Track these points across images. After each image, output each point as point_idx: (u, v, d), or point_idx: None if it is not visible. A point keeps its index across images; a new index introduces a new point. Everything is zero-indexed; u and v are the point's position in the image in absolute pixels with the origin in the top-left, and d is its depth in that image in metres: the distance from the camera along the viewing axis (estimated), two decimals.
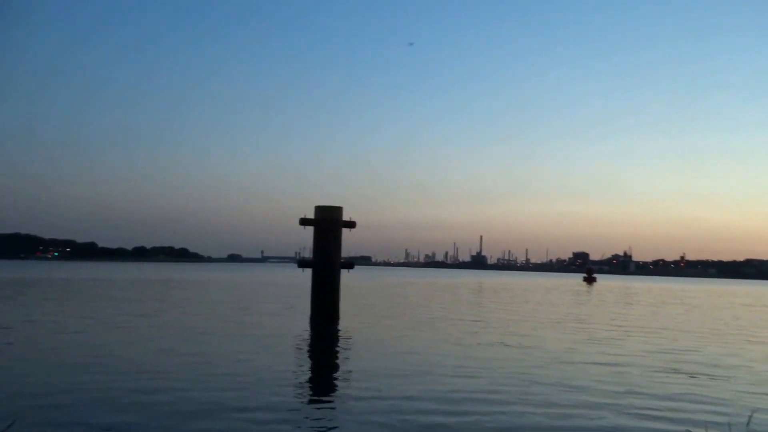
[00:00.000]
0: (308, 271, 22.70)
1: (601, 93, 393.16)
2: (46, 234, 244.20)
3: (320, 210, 22.34)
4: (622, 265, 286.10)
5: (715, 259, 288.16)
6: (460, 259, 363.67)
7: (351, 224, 22.75)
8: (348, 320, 21.23)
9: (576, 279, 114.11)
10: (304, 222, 22.19)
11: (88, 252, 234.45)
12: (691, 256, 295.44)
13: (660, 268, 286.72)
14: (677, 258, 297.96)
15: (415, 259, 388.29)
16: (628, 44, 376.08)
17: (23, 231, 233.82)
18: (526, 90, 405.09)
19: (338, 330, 18.72)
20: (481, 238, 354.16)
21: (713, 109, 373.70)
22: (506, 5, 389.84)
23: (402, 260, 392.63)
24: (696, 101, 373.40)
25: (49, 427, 7.27)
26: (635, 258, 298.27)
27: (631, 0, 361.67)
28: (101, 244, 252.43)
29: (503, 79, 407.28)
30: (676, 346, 16.63)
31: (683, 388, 10.52)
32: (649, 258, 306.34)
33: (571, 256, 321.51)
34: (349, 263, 23.82)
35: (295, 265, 25.72)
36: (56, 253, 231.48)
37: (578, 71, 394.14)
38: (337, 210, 22.47)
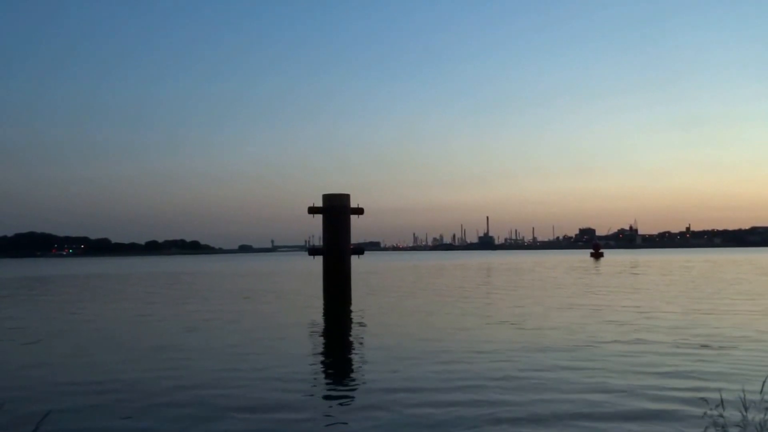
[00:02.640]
0: (319, 259, 22.97)
1: (602, 68, 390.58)
2: (61, 232, 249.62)
3: (328, 198, 22.55)
4: (628, 239, 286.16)
5: (720, 228, 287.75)
6: (468, 240, 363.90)
7: (359, 211, 22.95)
8: (360, 305, 21.50)
9: (583, 255, 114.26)
10: (312, 210, 22.41)
11: (102, 248, 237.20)
12: (696, 227, 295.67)
13: (666, 240, 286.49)
14: (683, 229, 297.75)
15: (423, 243, 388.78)
16: (629, 18, 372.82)
17: (38, 230, 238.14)
18: (527, 69, 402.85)
19: (351, 315, 18.98)
20: (487, 219, 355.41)
21: (715, 78, 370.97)
22: None
23: (410, 244, 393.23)
24: (698, 71, 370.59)
25: (83, 418, 7.52)
26: (641, 231, 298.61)
27: None
28: (114, 239, 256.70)
29: (505, 61, 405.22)
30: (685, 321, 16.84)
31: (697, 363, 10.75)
32: (655, 231, 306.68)
33: (577, 232, 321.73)
34: (359, 249, 24.05)
35: (306, 253, 25.98)
36: (71, 250, 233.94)
37: (579, 49, 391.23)
38: (345, 197, 22.67)
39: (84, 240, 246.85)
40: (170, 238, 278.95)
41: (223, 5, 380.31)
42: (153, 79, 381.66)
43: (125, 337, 14.83)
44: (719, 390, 7.84)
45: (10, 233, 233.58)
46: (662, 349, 11.69)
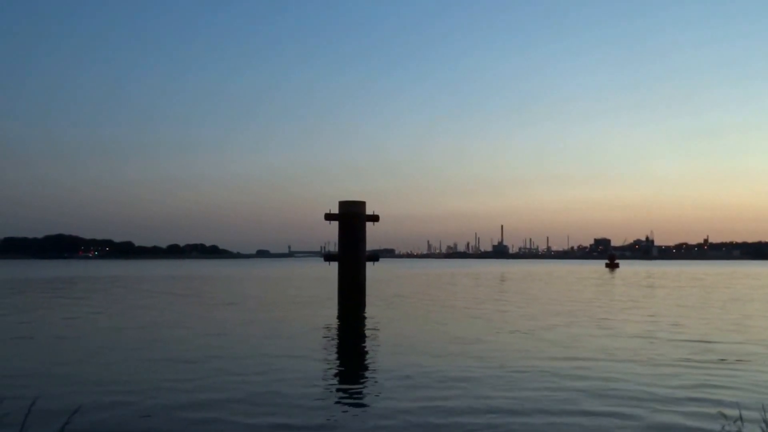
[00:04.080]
0: (334, 265, 23.06)
1: (620, 77, 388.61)
2: (87, 234, 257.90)
3: (344, 205, 22.67)
4: (644, 250, 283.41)
5: (739, 240, 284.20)
6: (482, 249, 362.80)
7: (374, 218, 23.04)
8: (374, 311, 21.53)
9: (598, 266, 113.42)
10: (328, 217, 22.53)
11: (126, 250, 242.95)
12: (714, 239, 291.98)
13: (683, 251, 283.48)
14: (700, 241, 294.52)
15: (437, 251, 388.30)
16: (645, 30, 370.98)
17: (66, 232, 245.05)
18: (543, 78, 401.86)
19: (365, 320, 19.04)
20: (501, 227, 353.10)
21: (735, 88, 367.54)
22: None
23: (424, 252, 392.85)
24: (717, 81, 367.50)
25: (111, 415, 7.65)
26: (657, 242, 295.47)
27: None
28: (137, 243, 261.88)
29: (522, 69, 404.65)
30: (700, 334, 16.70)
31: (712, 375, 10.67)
32: (671, 242, 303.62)
33: (592, 242, 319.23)
34: (374, 256, 24.16)
35: (322, 259, 26.10)
36: (96, 252, 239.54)
37: (596, 57, 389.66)
38: (361, 204, 22.78)
39: (109, 243, 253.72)
40: (191, 242, 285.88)
41: (234, 17, 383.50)
42: (169, 88, 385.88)
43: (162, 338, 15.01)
44: (737, 404, 7.79)
45: (40, 235, 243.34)
46: (679, 362, 11.60)
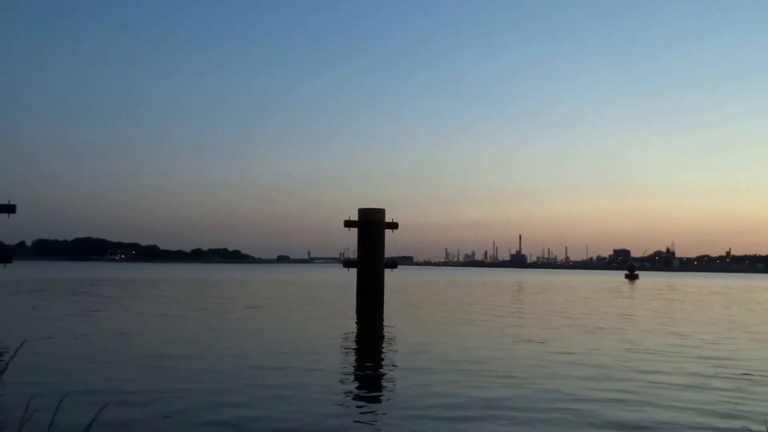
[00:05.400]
0: (353, 271, 23.13)
1: (642, 87, 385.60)
2: (114, 238, 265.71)
3: (363, 212, 22.75)
4: (664, 261, 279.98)
5: (763, 253, 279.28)
6: (500, 258, 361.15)
7: (393, 225, 23.10)
8: (392, 317, 21.52)
9: (617, 276, 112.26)
10: (348, 224, 22.64)
11: (151, 254, 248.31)
12: (737, 252, 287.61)
13: (705, 264, 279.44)
14: (723, 253, 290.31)
15: (455, 259, 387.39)
16: (666, 41, 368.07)
17: (94, 235, 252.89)
18: (561, 88, 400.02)
19: (383, 326, 19.06)
20: (520, 237, 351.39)
21: (756, 100, 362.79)
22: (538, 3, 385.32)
23: (442, 260, 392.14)
24: (739, 93, 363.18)
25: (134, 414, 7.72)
26: (678, 254, 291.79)
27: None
28: (162, 246, 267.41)
29: (538, 78, 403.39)
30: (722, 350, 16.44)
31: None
32: (693, 254, 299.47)
33: (611, 253, 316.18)
34: (392, 263, 24.18)
35: (341, 265, 26.19)
36: (123, 255, 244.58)
37: (616, 67, 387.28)
38: (380, 212, 22.84)
39: (135, 246, 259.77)
40: (214, 246, 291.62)
41: (251, 23, 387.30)
42: (187, 94, 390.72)
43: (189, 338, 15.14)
44: (765, 421, 7.66)
45: (69, 238, 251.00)
46: (705, 378, 11.44)
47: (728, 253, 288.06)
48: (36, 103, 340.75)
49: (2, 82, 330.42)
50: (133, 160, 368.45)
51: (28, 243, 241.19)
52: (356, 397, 9.42)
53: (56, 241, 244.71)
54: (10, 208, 19.10)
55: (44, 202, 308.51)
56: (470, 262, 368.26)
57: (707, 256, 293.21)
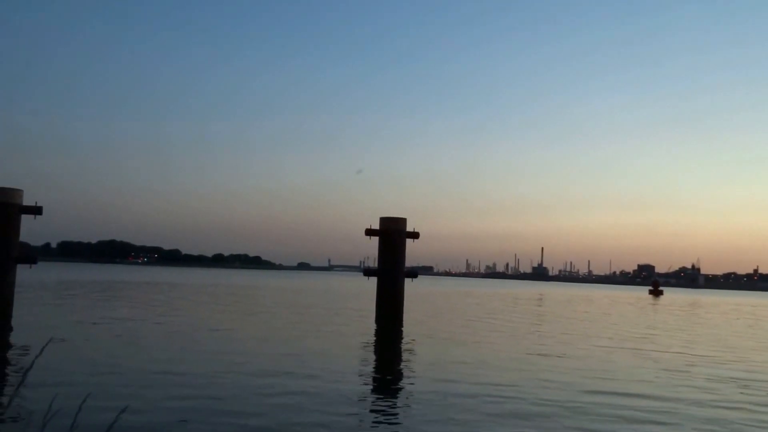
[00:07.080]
0: (373, 279, 23.16)
1: (663, 101, 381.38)
2: (137, 241, 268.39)
3: (385, 221, 22.79)
4: (689, 278, 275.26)
5: None
6: (521, 270, 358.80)
7: (414, 235, 23.08)
8: (411, 326, 21.52)
9: (641, 292, 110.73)
10: (369, 232, 22.67)
11: (173, 258, 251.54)
12: (765, 269, 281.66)
13: (731, 281, 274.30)
14: (750, 271, 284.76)
15: (476, 270, 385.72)
16: (686, 49, 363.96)
17: (118, 238, 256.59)
18: (590, 101, 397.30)
19: (401, 336, 19.07)
20: (542, 249, 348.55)
21: None
22: (576, 19, 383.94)
23: (463, 270, 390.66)
24: (761, 104, 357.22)
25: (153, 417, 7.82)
26: (704, 271, 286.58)
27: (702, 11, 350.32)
28: (184, 251, 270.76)
29: (567, 95, 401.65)
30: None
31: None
32: (718, 271, 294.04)
33: (635, 268, 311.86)
34: (413, 272, 24.12)
35: (361, 273, 26.25)
36: (146, 259, 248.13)
37: (643, 80, 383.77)
38: (401, 221, 22.86)
39: (157, 250, 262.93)
40: (235, 252, 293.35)
41: (289, 31, 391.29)
42: (219, 99, 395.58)
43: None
44: None
45: (93, 240, 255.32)
46: (732, 400, 11.26)
47: (756, 270, 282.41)
48: (81, 101, 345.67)
49: (52, 79, 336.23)
50: (170, 162, 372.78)
51: (53, 245, 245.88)
52: (372, 410, 9.42)
53: (80, 243, 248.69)
54: (36, 210, 19.42)
55: (68, 204, 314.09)
56: (491, 273, 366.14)
57: (734, 273, 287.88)
